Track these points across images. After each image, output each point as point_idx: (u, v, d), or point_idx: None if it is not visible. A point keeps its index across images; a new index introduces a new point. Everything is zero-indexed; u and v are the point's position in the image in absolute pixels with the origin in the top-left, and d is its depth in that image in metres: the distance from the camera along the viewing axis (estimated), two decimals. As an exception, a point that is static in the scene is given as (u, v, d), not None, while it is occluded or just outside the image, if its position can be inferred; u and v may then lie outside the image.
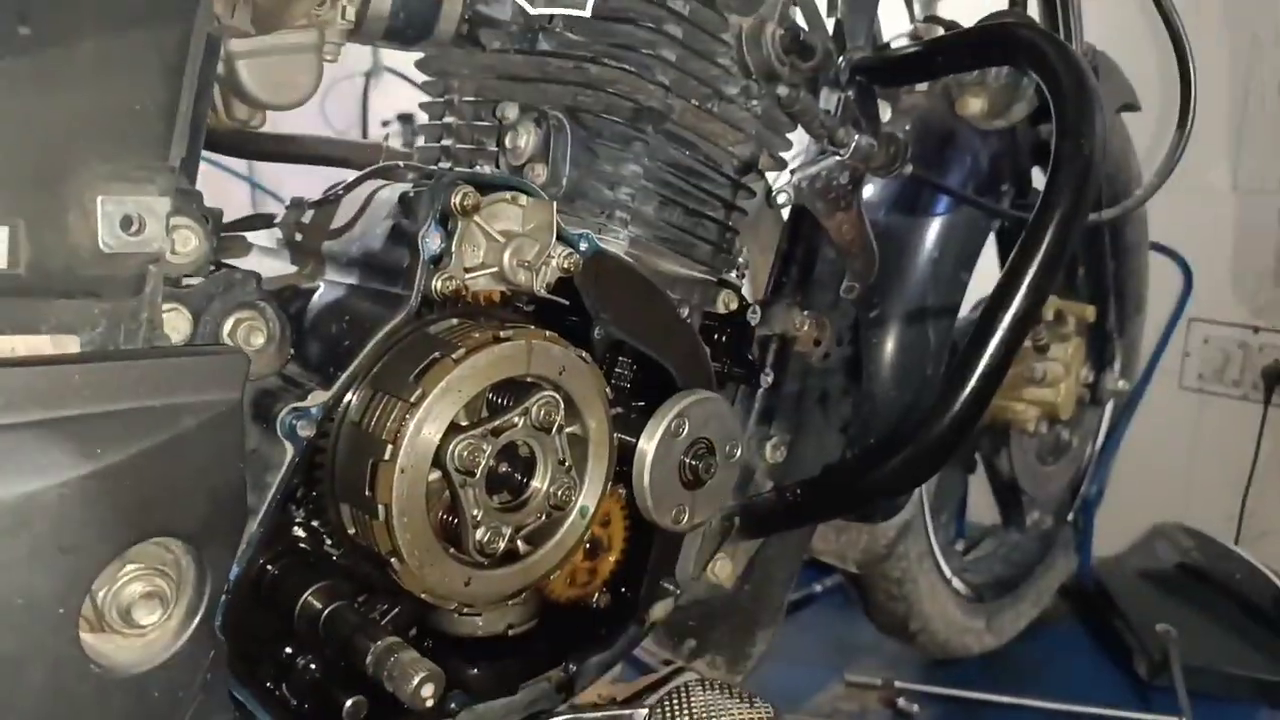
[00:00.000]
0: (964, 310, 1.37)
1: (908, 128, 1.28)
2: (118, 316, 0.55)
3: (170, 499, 0.54)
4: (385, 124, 2.78)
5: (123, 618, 0.53)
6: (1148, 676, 1.61)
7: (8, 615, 0.48)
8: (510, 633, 0.86)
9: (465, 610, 0.82)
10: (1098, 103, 0.83)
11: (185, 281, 0.63)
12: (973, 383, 0.79)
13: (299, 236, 0.83)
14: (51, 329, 0.53)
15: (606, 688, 1.03)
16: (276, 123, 0.84)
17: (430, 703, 0.64)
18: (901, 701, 1.59)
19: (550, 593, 0.87)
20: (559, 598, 0.88)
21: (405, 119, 2.74)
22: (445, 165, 0.89)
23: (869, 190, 1.34)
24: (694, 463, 0.83)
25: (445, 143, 0.90)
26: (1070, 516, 1.83)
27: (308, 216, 0.84)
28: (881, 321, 1.24)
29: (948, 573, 1.54)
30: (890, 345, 1.26)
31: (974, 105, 1.05)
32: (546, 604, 0.88)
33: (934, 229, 1.30)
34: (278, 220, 0.86)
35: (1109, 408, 1.83)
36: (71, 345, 0.53)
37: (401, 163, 0.85)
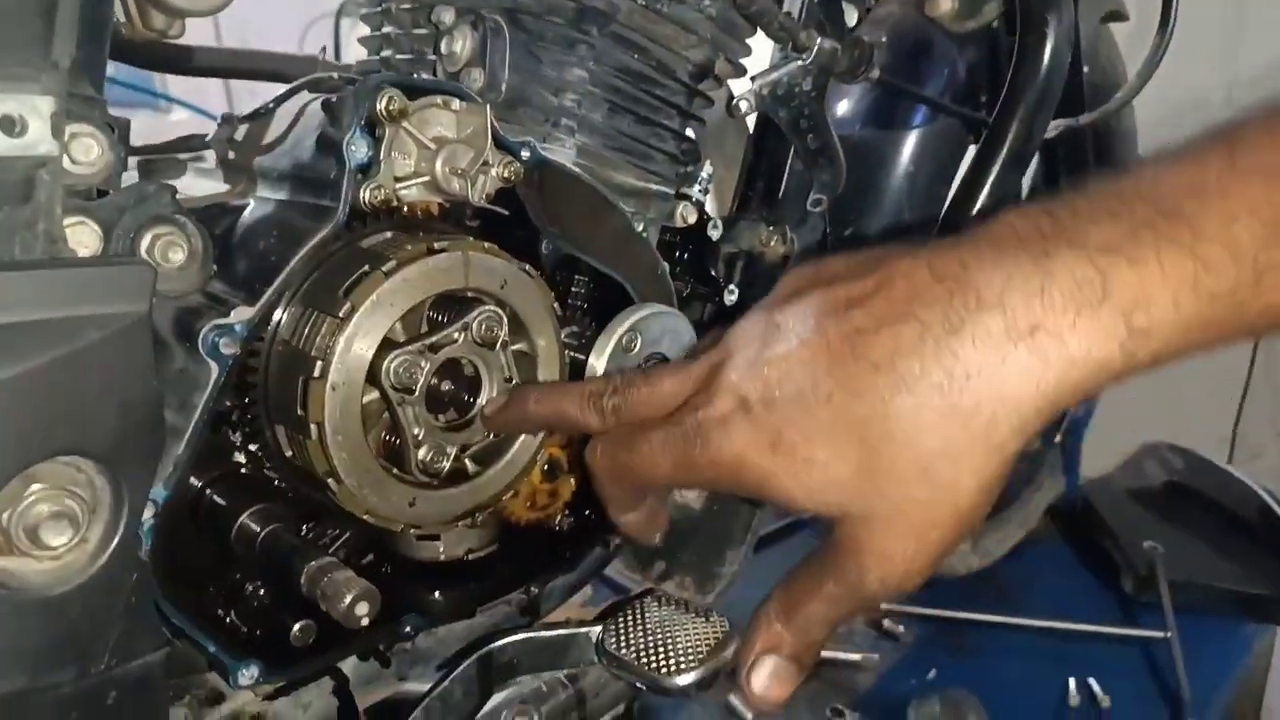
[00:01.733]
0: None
1: (883, 38, 1.23)
2: (9, 228, 0.52)
3: (76, 416, 0.52)
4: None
5: (30, 538, 0.51)
6: (1134, 592, 1.61)
7: (-100, 536, 0.46)
8: (470, 557, 0.84)
9: (422, 535, 0.80)
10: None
11: (95, 195, 0.60)
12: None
13: (231, 154, 0.80)
14: (-61, 241, 0.50)
15: (576, 611, 1.03)
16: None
17: (365, 621, 0.62)
18: (887, 622, 1.59)
19: (510, 516, 0.86)
20: (520, 521, 0.87)
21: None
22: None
23: (843, 104, 1.30)
24: (648, 378, 0.81)
25: (385, 54, 0.86)
26: (1058, 438, 1.81)
27: (240, 133, 0.80)
28: (857, 239, 1.21)
29: (931, 495, 1.53)
30: (865, 263, 1.23)
31: (944, 4, 1.00)
32: (507, 528, 0.87)
33: (910, 142, 1.26)
34: (209, 138, 0.82)
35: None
36: (-39, 257, 0.51)
37: (336, 74, 0.81)
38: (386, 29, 0.86)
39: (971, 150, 1.39)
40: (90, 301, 0.52)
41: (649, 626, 0.70)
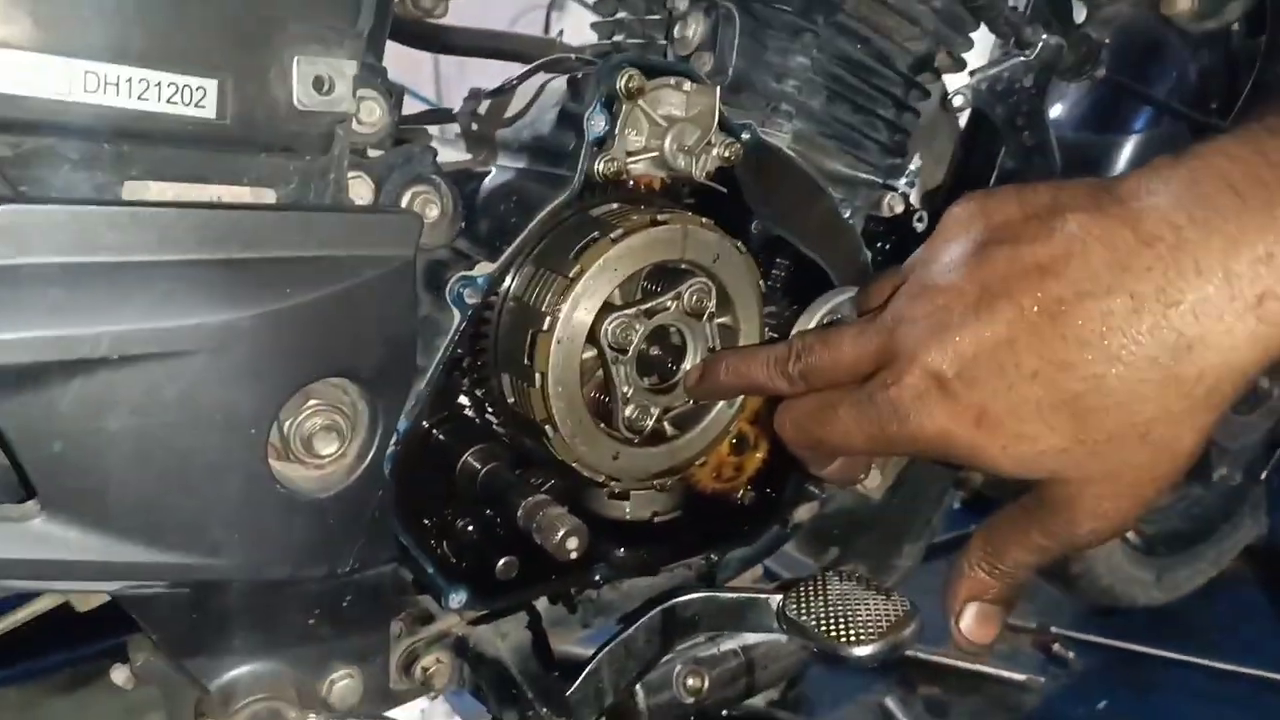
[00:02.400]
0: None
1: (1108, 37, 1.19)
2: (309, 175, 0.60)
3: (349, 343, 0.59)
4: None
5: (305, 446, 0.59)
6: (1338, 649, 1.49)
7: (209, 429, 0.54)
8: (656, 519, 0.89)
9: (614, 494, 0.85)
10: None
11: (370, 153, 0.67)
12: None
13: (474, 126, 0.87)
14: (251, 182, 0.58)
15: (749, 586, 1.05)
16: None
17: (574, 554, 0.67)
18: (1057, 647, 1.54)
19: (696, 484, 0.89)
20: (704, 490, 0.90)
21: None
22: (614, 59, 0.90)
23: (1063, 102, 1.26)
24: (846, 361, 0.82)
25: (616, 38, 0.91)
26: (1264, 474, 1.69)
27: (483, 107, 0.87)
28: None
29: (1117, 518, 1.46)
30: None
31: (1183, 3, 0.96)
32: (692, 496, 0.90)
33: (1130, 146, 1.22)
34: (455, 112, 0.90)
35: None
36: (268, 197, 0.58)
37: (573, 55, 0.87)
38: (620, 14, 0.91)
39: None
40: (368, 244, 0.59)
41: (830, 598, 0.72)
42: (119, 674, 0.67)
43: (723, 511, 0.93)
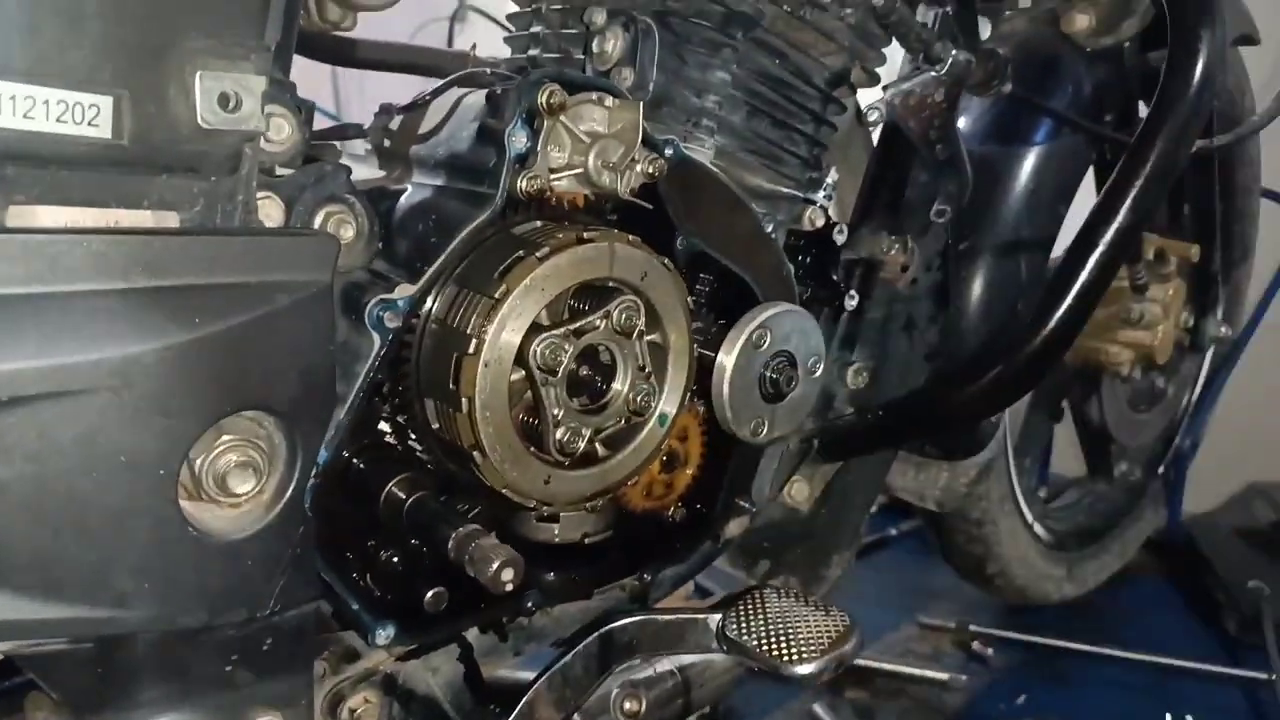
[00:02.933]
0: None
1: (1005, 51, 1.22)
2: (215, 197, 0.56)
3: (264, 374, 0.56)
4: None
5: (218, 485, 0.55)
6: (1237, 632, 1.56)
7: (113, 472, 0.50)
8: (586, 541, 0.87)
9: (542, 517, 0.83)
10: (1217, 12, 0.78)
11: (279, 171, 0.64)
12: (1067, 301, 0.76)
13: (387, 142, 0.84)
14: (153, 205, 0.54)
15: (681, 603, 1.04)
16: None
17: (510, 587, 0.65)
18: (976, 645, 1.57)
19: (626, 503, 0.88)
20: (635, 509, 0.89)
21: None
22: (532, 74, 0.89)
23: (965, 116, 1.29)
24: (774, 376, 0.82)
25: (532, 53, 0.89)
26: (1161, 469, 1.77)
27: (395, 123, 0.85)
28: (971, 253, 1.21)
29: (1029, 517, 1.51)
30: (979, 278, 1.22)
31: (1081, 21, 1.00)
32: (622, 515, 0.89)
33: (1032, 157, 1.25)
34: (366, 127, 0.87)
35: (1209, 356, 1.75)
36: (171, 221, 0.55)
37: (489, 69, 0.85)
38: (535, 29, 0.89)
39: (1089, 174, 1.38)
40: (281, 268, 0.56)
41: (770, 615, 0.71)
42: (15, 738, 0.62)
43: (654, 530, 0.92)
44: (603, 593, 0.87)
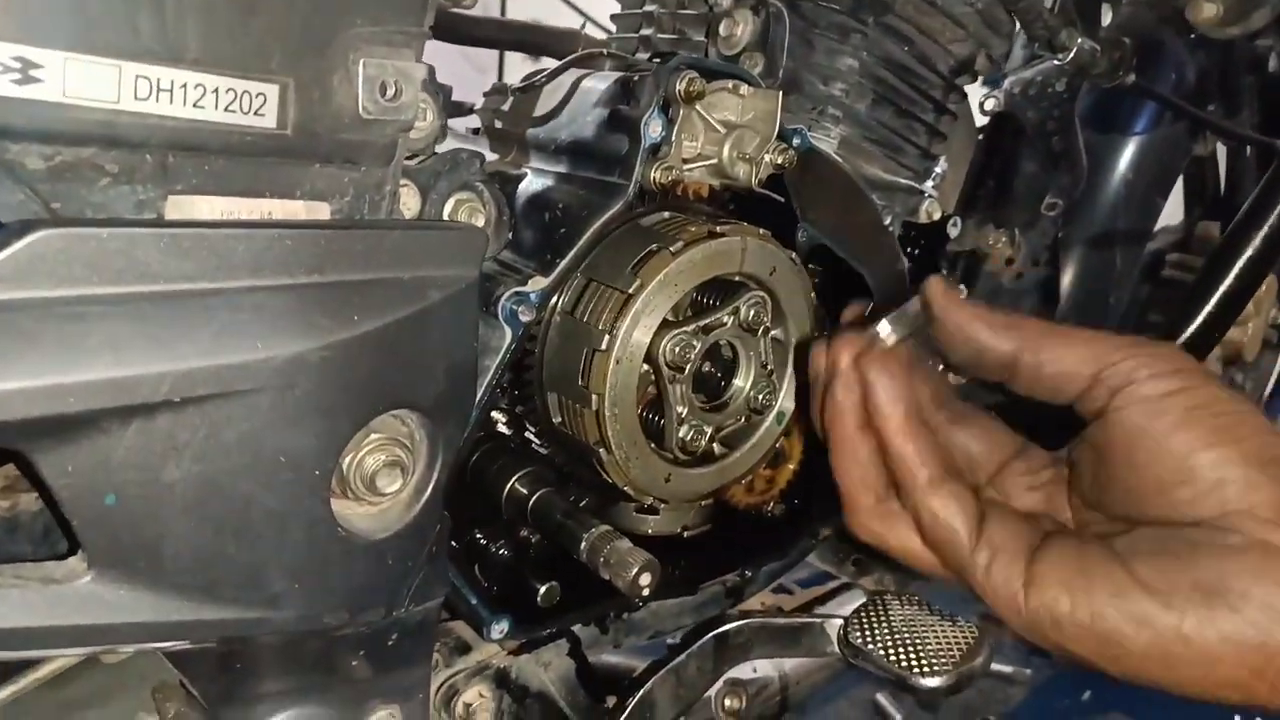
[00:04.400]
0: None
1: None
2: (364, 187, 0.54)
3: (415, 372, 0.54)
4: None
5: (366, 485, 0.54)
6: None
7: (273, 472, 0.49)
8: (685, 534, 0.86)
9: (641, 509, 0.82)
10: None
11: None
12: (1210, 305, 0.73)
13: (499, 124, 0.82)
14: (305, 195, 0.52)
15: (768, 597, 1.03)
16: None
17: (647, 592, 0.64)
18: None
19: (729, 498, 0.86)
20: (737, 504, 0.87)
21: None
22: (644, 57, 0.86)
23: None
24: (893, 375, 0.80)
25: (644, 32, 0.87)
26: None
27: (508, 104, 0.82)
28: (1066, 243, 1.18)
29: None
30: (1073, 270, 1.19)
31: (1208, 10, 0.95)
32: (722, 510, 0.87)
33: (1131, 148, 1.22)
34: (477, 107, 0.84)
35: (1281, 356, 1.71)
36: (323, 212, 0.53)
37: (604, 50, 0.82)
38: (649, 7, 0.86)
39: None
40: (433, 263, 0.54)
41: (894, 624, 0.70)
42: (145, 727, 0.61)
43: (753, 525, 0.90)
44: (705, 588, 0.86)
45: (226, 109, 0.47)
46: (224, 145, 0.48)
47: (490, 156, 0.81)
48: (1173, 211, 1.41)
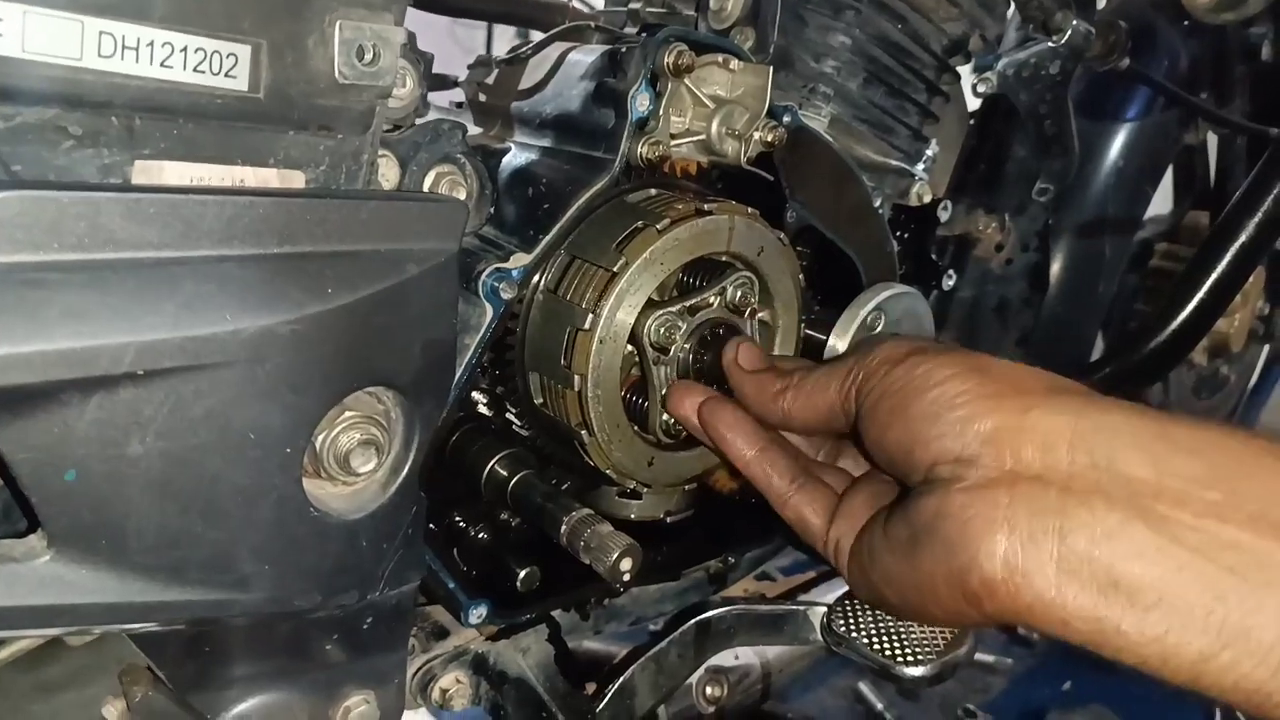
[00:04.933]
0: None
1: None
2: (340, 156, 0.52)
3: (391, 348, 0.53)
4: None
5: (340, 464, 0.52)
6: None
7: (241, 449, 0.47)
8: (668, 520, 0.84)
9: (624, 493, 0.80)
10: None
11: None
12: (1201, 293, 0.72)
13: (483, 96, 0.80)
14: (279, 163, 0.50)
15: (751, 584, 1.02)
16: None
17: (629, 577, 0.63)
18: (1021, 629, 1.56)
19: (713, 483, 0.85)
20: (720, 488, 0.86)
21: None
22: (632, 31, 0.84)
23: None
24: (882, 360, 0.79)
25: (633, 5, 0.85)
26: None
27: (492, 76, 0.80)
28: (1055, 230, 1.17)
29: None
30: (1062, 256, 1.19)
31: (1205, -6, 0.94)
32: (705, 495, 0.86)
33: (1122, 135, 1.21)
34: (461, 80, 0.82)
35: (1266, 347, 1.72)
36: (297, 181, 0.51)
37: (592, 24, 0.80)
38: (638, -20, 0.84)
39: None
40: (412, 236, 0.52)
41: (879, 613, 0.68)
42: (112, 710, 0.59)
43: (737, 511, 0.89)
44: (688, 574, 0.84)
45: (196, 69, 0.45)
46: (193, 108, 0.46)
47: (473, 130, 0.79)
48: (1161, 202, 1.40)
